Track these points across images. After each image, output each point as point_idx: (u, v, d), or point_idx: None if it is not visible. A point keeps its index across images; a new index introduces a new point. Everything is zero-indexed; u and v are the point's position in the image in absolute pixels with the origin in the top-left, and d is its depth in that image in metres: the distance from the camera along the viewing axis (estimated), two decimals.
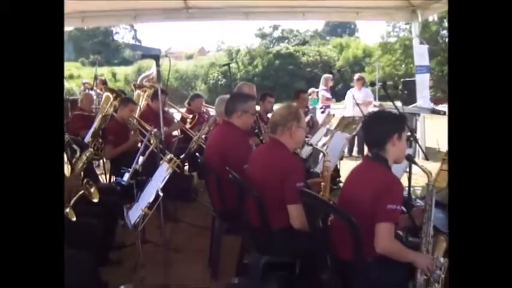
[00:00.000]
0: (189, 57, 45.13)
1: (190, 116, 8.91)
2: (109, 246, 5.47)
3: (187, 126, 8.71)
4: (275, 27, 46.96)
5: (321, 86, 13.22)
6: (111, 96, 8.89)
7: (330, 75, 13.45)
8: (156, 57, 4.98)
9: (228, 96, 5.80)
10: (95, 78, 12.18)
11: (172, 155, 4.60)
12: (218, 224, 5.14)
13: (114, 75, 33.67)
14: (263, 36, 46.97)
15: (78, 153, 5.53)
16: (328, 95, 12.86)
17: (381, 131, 3.53)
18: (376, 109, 9.00)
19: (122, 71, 36.82)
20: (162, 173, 4.33)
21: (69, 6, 11.69)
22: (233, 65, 33.96)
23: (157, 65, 4.98)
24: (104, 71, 27.53)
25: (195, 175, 8.25)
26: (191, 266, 5.47)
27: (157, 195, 4.22)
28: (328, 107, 12.50)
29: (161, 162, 4.54)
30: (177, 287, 4.89)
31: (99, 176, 8.18)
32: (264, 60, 36.99)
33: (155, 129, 5.74)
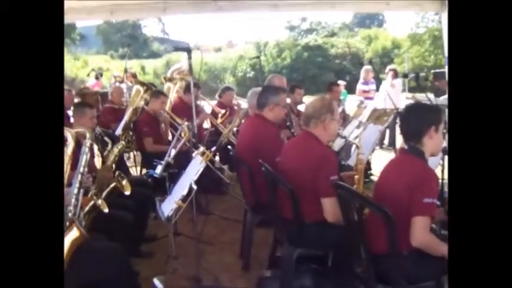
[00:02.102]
0: (218, 50, 45.15)
1: (223, 111, 8.89)
2: (141, 238, 5.51)
3: (219, 120, 8.69)
4: (303, 19, 46.78)
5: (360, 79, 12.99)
6: (141, 89, 8.94)
7: (370, 67, 13.21)
8: (188, 50, 4.96)
9: (260, 89, 5.79)
10: (125, 71, 12.20)
11: (204, 148, 4.60)
12: (250, 217, 5.14)
13: (143, 68, 33.82)
14: (291, 28, 46.84)
15: (109, 146, 5.58)
16: (365, 88, 12.66)
17: (418, 123, 3.48)
18: (412, 101, 8.92)
19: (150, 64, 36.96)
20: (196, 166, 4.33)
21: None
22: (262, 57, 33.93)
23: (189, 58, 4.97)
24: (133, 64, 27.65)
25: (226, 168, 8.26)
26: (223, 258, 5.48)
27: (190, 188, 4.23)
28: (369, 98, 12.21)
29: (194, 155, 4.54)
30: (209, 279, 4.89)
31: (130, 169, 8.21)
32: (293, 52, 36.84)
33: (187, 122, 5.75)
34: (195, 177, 4.24)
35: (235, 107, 9.15)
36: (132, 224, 4.74)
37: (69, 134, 3.57)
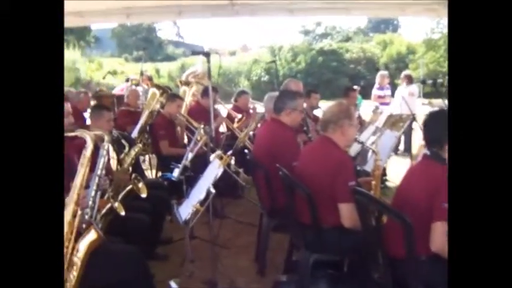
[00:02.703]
0: (232, 53, 45.19)
1: (239, 115, 8.87)
2: (156, 241, 5.52)
3: (235, 125, 8.69)
4: (318, 24, 46.73)
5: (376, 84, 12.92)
6: (157, 92, 8.97)
7: (385, 72, 13.16)
8: (207, 54, 4.98)
9: (276, 93, 5.79)
10: (141, 74, 12.24)
11: (220, 152, 4.61)
12: (266, 221, 5.13)
13: (157, 71, 33.90)
14: (306, 32, 46.82)
15: (126, 149, 5.59)
16: (381, 93, 12.60)
17: (441, 130, 3.46)
18: (433, 108, 8.85)
19: (165, 67, 37.01)
20: (214, 170, 4.33)
21: (114, 2, 11.85)
22: (268, 60, 33.94)
23: (208, 62, 4.99)
24: (148, 67, 27.71)
25: (241, 171, 8.27)
26: (238, 262, 5.49)
27: (208, 192, 4.23)
28: (384, 104, 12.15)
29: (212, 159, 4.55)
30: (225, 283, 4.89)
31: (145, 171, 8.23)
32: (307, 57, 36.76)
33: (206, 126, 5.75)
34: (213, 181, 4.25)
35: (251, 111, 9.13)
36: (148, 227, 4.76)
37: (88, 137, 3.57)
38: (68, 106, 4.64)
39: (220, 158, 4.40)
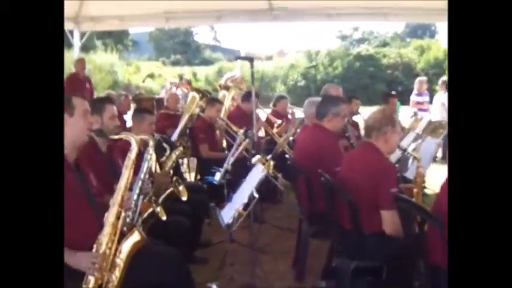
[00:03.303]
0: (269, 58, 45.19)
1: (279, 121, 8.85)
2: (195, 244, 5.54)
3: (274, 130, 8.68)
4: (355, 29, 46.56)
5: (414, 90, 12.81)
6: (197, 96, 9.04)
7: (424, 78, 13.06)
8: (251, 59, 5.01)
9: (317, 98, 5.78)
10: (180, 78, 12.35)
11: (263, 157, 4.61)
12: (305, 226, 5.11)
13: (194, 75, 33.97)
14: (343, 37, 46.68)
15: (167, 152, 5.63)
16: (419, 99, 12.48)
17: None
18: None
19: (202, 71, 37.08)
20: (257, 175, 4.34)
21: (153, 6, 11.98)
22: (308, 65, 33.85)
23: (252, 67, 5.01)
24: (185, 71, 27.88)
25: (280, 176, 8.26)
26: (276, 266, 5.49)
27: (251, 197, 4.24)
28: (423, 110, 12.03)
29: (255, 163, 4.56)
30: (263, 287, 4.89)
31: (183, 174, 8.27)
32: (344, 61, 36.54)
33: (248, 130, 5.77)
34: (256, 186, 4.26)
35: (290, 116, 9.13)
36: (188, 230, 4.78)
37: (133, 139, 3.60)
38: (113, 109, 4.69)
39: (264, 163, 4.41)
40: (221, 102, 8.39)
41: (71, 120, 3.48)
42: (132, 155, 3.55)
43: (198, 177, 7.84)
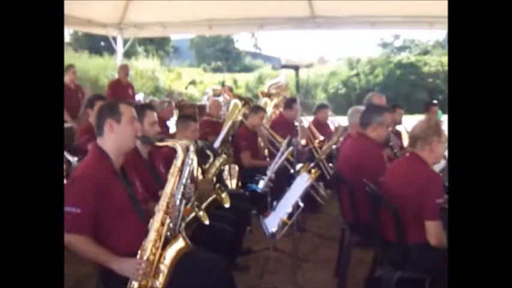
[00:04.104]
0: (309, 65, 45.12)
1: (321, 137, 8.75)
2: (237, 251, 5.54)
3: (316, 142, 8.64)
4: (396, 37, 46.06)
5: None
6: (239, 103, 9.04)
7: None
8: (296, 68, 5.01)
9: (362, 107, 5.75)
10: (223, 85, 12.41)
11: (301, 165, 4.61)
12: (348, 236, 5.08)
13: (235, 82, 34.08)
14: (384, 45, 46.24)
15: (211, 159, 5.65)
16: None
17: None
18: None
19: (242, 78, 37.21)
20: (302, 183, 4.34)
21: (196, 13, 12.08)
22: (351, 73, 33.66)
23: (297, 76, 5.01)
24: (225, 78, 28.08)
25: (321, 185, 8.23)
26: (318, 275, 5.45)
27: (296, 205, 4.23)
28: None
29: (300, 171, 4.55)
30: None
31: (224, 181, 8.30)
32: (385, 69, 36.29)
33: (293, 139, 5.75)
34: (301, 195, 4.25)
35: (332, 126, 9.10)
36: (232, 237, 4.78)
37: (179, 147, 3.64)
38: (154, 115, 4.72)
39: (309, 171, 4.40)
40: (264, 110, 8.40)
41: (118, 126, 3.52)
42: (178, 162, 3.59)
43: (240, 184, 7.85)
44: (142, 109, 4.63)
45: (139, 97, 12.83)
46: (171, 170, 3.57)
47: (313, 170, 4.46)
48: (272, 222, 4.48)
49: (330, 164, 7.49)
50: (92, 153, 3.61)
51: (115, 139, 3.53)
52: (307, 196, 6.76)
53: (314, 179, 4.49)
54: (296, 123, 6.86)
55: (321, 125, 9.05)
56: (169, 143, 3.81)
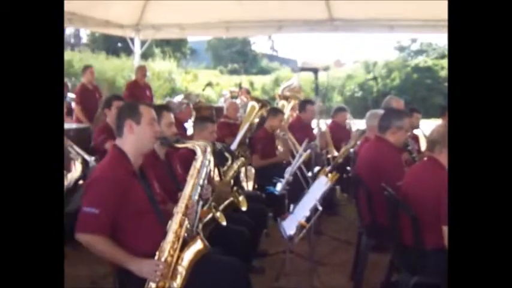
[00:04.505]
0: (325, 68, 45.04)
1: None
2: (253, 253, 5.54)
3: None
4: (413, 40, 45.77)
5: None
6: (256, 105, 9.05)
7: None
8: (315, 70, 5.01)
9: (380, 111, 5.73)
10: (240, 87, 12.41)
11: (329, 169, 4.60)
12: (365, 240, 5.06)
13: (251, 84, 34.07)
14: (401, 49, 46.03)
15: (229, 161, 5.65)
16: None
17: None
18: None
19: (259, 80, 37.20)
20: (321, 187, 4.33)
21: (214, 15, 12.11)
22: (369, 76, 33.55)
23: (316, 78, 5.00)
24: (242, 80, 28.12)
25: (338, 188, 8.22)
26: (334, 279, 5.45)
27: (315, 209, 4.23)
28: None
29: (318, 175, 4.54)
30: None
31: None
32: (402, 73, 36.12)
33: (311, 142, 5.74)
34: (319, 198, 4.24)
35: (352, 131, 9.09)
36: (248, 239, 4.78)
37: (198, 148, 3.64)
38: (171, 116, 4.73)
39: (327, 175, 4.39)
40: (283, 112, 8.40)
41: (138, 128, 3.53)
42: (198, 164, 3.59)
43: (256, 186, 7.85)
44: (159, 110, 4.64)
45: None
46: (190, 172, 3.58)
47: (331, 174, 4.43)
48: (290, 225, 4.47)
49: (348, 168, 7.46)
50: (111, 153, 3.62)
51: (134, 140, 3.54)
52: (324, 199, 6.80)
53: (333, 183, 4.46)
54: (313, 126, 6.88)
55: (339, 128, 9.03)
56: (188, 144, 3.82)
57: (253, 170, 8.25)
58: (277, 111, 8.06)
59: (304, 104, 8.74)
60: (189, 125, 9.15)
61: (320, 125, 6.51)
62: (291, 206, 4.89)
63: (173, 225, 3.37)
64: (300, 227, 4.30)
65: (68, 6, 10.53)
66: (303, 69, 6.25)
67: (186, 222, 3.44)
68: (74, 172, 7.83)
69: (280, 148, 8.17)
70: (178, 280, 3.28)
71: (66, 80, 14.29)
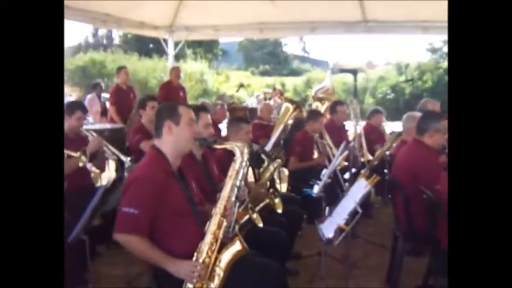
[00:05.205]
0: (359, 70, 44.76)
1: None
2: (288, 256, 5.52)
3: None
4: (445, 42, 45.43)
5: None
6: (290, 107, 9.03)
7: None
8: (354, 72, 4.98)
9: (417, 113, 5.69)
10: (274, 88, 12.42)
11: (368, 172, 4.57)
12: (401, 243, 5.01)
13: (283, 85, 34.06)
14: (433, 50, 45.65)
15: (266, 163, 5.64)
16: None
17: None
18: None
19: (290, 81, 37.17)
20: (360, 189, 4.30)
21: (248, 17, 12.13)
22: (401, 79, 33.32)
23: (355, 80, 4.98)
24: (273, 81, 28.10)
25: (372, 191, 8.17)
26: (369, 282, 5.42)
27: (355, 212, 4.20)
28: None
29: (357, 177, 4.51)
30: None
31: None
32: (434, 75, 35.81)
33: (349, 144, 5.71)
34: (359, 201, 4.21)
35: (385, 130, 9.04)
36: (285, 241, 4.76)
37: (237, 150, 3.64)
38: (208, 117, 4.75)
39: (367, 178, 4.36)
40: (324, 116, 8.39)
41: (177, 128, 3.54)
42: (237, 165, 3.59)
43: (289, 188, 7.83)
44: (196, 111, 4.64)
45: None
46: (229, 173, 3.58)
47: (371, 176, 4.40)
48: (328, 228, 4.45)
49: (385, 170, 7.40)
50: (150, 154, 3.63)
51: (173, 141, 3.55)
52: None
53: (372, 186, 4.43)
54: (348, 128, 6.85)
55: (373, 130, 8.96)
56: (227, 145, 3.82)
57: (286, 172, 8.23)
58: (318, 115, 8.03)
59: (334, 106, 8.69)
60: (223, 126, 9.15)
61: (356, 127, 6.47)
62: (327, 209, 4.86)
63: (211, 226, 3.38)
64: (339, 230, 4.27)
65: (102, 8, 10.69)
66: (342, 70, 6.17)
67: (225, 223, 3.43)
68: (108, 172, 7.91)
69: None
70: (216, 281, 3.28)
71: (99, 80, 14.44)
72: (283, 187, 8.59)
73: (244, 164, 3.74)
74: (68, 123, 5.60)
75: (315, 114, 8.11)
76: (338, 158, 5.77)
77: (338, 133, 8.06)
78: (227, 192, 3.50)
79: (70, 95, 32.54)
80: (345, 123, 8.72)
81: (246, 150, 3.72)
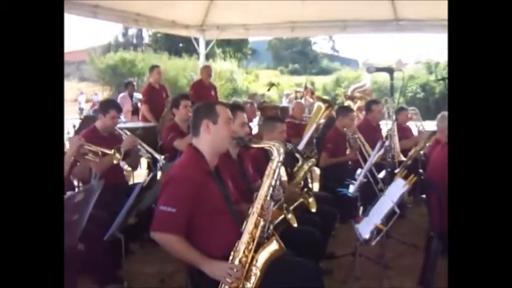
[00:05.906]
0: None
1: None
2: (322, 255, 5.51)
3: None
4: None
5: None
6: (322, 106, 9.01)
7: None
8: (391, 71, 4.95)
9: None
10: (305, 87, 12.40)
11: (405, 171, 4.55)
12: (436, 245, 4.97)
13: (312, 84, 34.02)
14: None
15: (300, 162, 5.63)
16: None
17: None
18: None
19: (320, 80, 37.05)
20: (398, 189, 4.28)
21: (279, 15, 12.12)
22: (431, 78, 33.06)
23: (392, 80, 4.94)
24: (303, 80, 28.04)
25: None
26: (402, 283, 5.37)
27: (393, 212, 4.18)
28: None
29: (395, 177, 4.49)
30: None
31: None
32: None
33: (386, 144, 5.68)
34: (397, 201, 4.19)
35: (418, 130, 8.97)
36: (319, 241, 4.75)
37: (275, 149, 3.63)
38: (244, 116, 4.75)
39: (405, 177, 4.33)
40: (354, 111, 8.35)
41: (215, 127, 3.55)
42: (274, 164, 3.58)
43: (322, 187, 7.81)
44: (233, 110, 4.65)
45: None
46: (267, 172, 3.57)
47: (410, 176, 4.37)
48: (365, 228, 4.43)
49: (420, 170, 7.36)
50: (187, 153, 3.65)
51: (211, 140, 3.56)
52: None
53: (411, 186, 4.40)
54: (382, 127, 6.80)
55: (401, 128, 8.89)
56: (264, 144, 3.82)
57: (318, 171, 8.21)
58: (347, 110, 8.04)
59: (369, 105, 8.59)
60: (253, 125, 9.16)
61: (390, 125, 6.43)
62: (361, 208, 4.85)
63: (249, 225, 3.38)
64: (376, 230, 4.25)
65: (133, 8, 10.78)
66: (378, 69, 6.11)
67: (262, 223, 3.44)
68: (139, 170, 7.96)
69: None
70: (253, 280, 3.28)
71: (131, 79, 14.54)
72: (315, 186, 8.55)
73: (280, 163, 3.74)
74: (102, 121, 5.65)
75: (344, 109, 8.14)
76: (374, 157, 5.73)
77: (373, 133, 8.00)
78: (264, 191, 3.50)
79: (96, 93, 32.83)
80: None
81: (281, 150, 3.73)
